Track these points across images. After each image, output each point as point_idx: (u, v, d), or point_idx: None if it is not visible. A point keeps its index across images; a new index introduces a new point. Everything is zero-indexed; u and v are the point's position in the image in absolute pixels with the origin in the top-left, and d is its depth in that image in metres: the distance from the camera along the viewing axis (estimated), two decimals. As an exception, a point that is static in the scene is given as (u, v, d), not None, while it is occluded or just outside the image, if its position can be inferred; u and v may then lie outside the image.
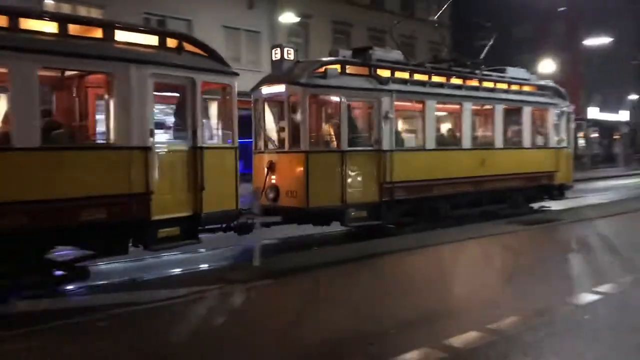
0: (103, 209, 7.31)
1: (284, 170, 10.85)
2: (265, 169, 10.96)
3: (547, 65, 38.20)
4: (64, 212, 7.00)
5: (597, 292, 6.91)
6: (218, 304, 6.85)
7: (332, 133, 11.16)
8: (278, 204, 10.77)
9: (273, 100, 11.52)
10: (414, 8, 35.11)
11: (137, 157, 7.68)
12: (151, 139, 7.90)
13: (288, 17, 25.63)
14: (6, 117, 7.11)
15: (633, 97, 52.14)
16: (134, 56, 7.74)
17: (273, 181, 10.92)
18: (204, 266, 9.66)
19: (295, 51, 11.28)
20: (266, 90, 11.39)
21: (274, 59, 11.26)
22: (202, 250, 10.53)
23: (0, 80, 7.05)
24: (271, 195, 10.79)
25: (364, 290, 7.48)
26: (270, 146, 11.50)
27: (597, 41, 38.60)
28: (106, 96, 7.71)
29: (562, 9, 44.74)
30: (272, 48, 11.39)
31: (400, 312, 6.41)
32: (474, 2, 41.36)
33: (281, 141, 11.23)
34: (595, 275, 7.81)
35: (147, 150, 7.80)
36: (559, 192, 16.34)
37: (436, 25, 24.59)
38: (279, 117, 11.53)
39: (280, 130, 11.40)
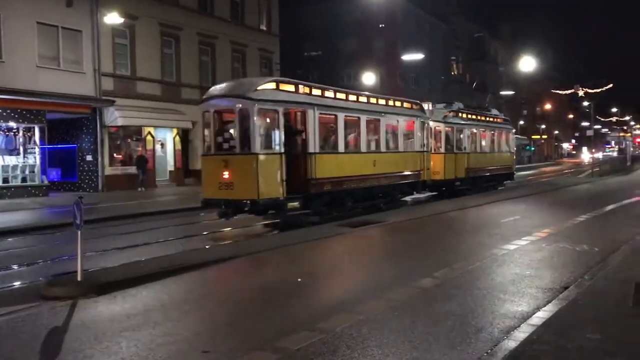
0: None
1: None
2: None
3: (370, 78, 40.76)
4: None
5: (388, 299, 7.44)
6: (29, 325, 6.22)
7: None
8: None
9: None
10: (244, 15, 35.29)
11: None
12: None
13: (112, 18, 24.34)
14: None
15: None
16: None
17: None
18: (17, 283, 8.71)
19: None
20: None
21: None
22: (15, 266, 9.53)
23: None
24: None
25: (184, 300, 7.31)
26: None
27: (412, 57, 42.12)
28: None
29: (381, 25, 48.05)
30: None
31: (223, 320, 6.35)
32: (303, 14, 42.83)
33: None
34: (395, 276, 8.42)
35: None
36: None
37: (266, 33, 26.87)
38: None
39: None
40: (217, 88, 14.38)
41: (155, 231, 14.19)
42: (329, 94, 15.50)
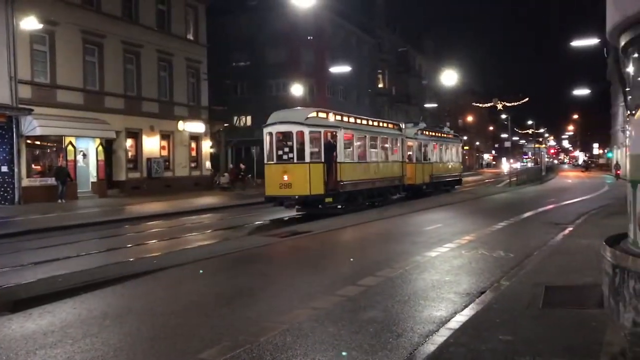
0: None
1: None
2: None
3: (298, 90, 41.09)
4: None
5: (312, 308, 7.59)
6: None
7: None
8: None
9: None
10: (170, 24, 34.77)
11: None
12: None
13: (29, 23, 23.37)
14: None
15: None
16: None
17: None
18: None
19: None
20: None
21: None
22: None
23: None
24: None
25: (104, 315, 7.12)
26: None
27: (340, 69, 42.85)
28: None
29: (310, 37, 48.55)
30: None
31: (145, 334, 6.24)
32: (231, 24, 42.65)
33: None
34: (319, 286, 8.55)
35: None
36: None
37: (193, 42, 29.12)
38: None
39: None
40: (278, 116, 19.61)
41: (77, 244, 13.69)
42: (348, 118, 21.32)
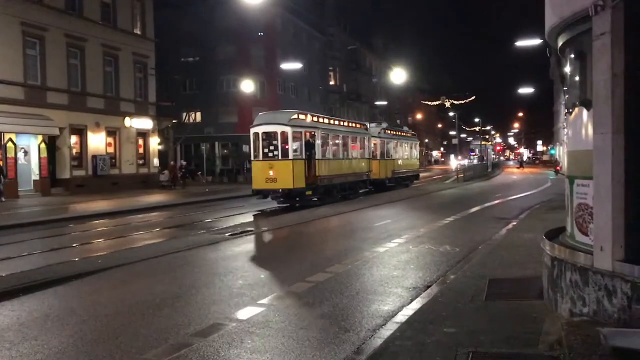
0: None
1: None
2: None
3: (248, 86, 40.80)
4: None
5: (260, 305, 7.58)
6: None
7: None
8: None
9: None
10: (116, 18, 33.87)
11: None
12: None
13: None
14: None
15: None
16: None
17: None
18: None
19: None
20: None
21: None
22: None
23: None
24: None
25: (45, 317, 6.90)
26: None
27: (291, 66, 42.75)
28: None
29: (260, 33, 48.26)
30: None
31: (88, 336, 6.09)
32: (180, 19, 41.83)
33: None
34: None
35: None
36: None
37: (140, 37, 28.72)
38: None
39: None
40: (264, 118, 21.85)
41: (17, 245, 13.19)
42: (323, 119, 23.85)
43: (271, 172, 20.40)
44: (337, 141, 24.53)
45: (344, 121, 27.02)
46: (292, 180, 20.30)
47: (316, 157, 21.92)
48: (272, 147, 20.75)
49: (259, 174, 20.79)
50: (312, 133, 22.03)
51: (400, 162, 34.47)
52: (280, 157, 20.55)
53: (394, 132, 34.91)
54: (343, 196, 24.69)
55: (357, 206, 21.38)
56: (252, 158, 21.76)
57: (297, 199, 21.28)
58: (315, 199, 22.20)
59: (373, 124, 32.39)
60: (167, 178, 35.74)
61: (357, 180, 26.72)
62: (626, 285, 4.89)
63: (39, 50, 28.34)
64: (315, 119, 22.72)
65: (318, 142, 22.29)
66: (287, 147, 20.56)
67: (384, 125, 33.99)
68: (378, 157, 30.36)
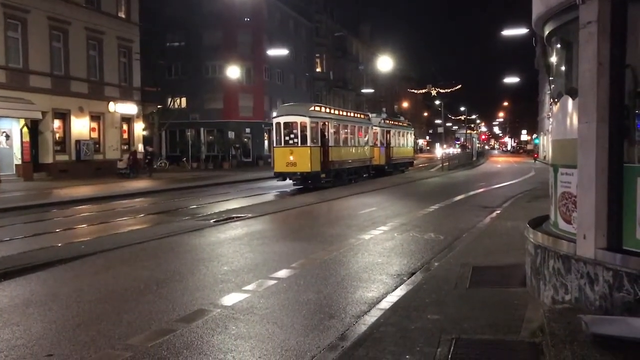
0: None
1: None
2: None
3: (234, 72, 40.49)
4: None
5: (245, 291, 7.60)
6: None
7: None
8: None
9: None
10: (100, 1, 33.37)
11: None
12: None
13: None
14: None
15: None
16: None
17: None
18: None
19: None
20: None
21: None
22: None
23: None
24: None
25: (26, 302, 6.83)
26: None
27: (278, 52, 42.46)
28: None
29: (247, 19, 47.83)
30: None
31: (70, 322, 6.05)
32: (165, 3, 41.29)
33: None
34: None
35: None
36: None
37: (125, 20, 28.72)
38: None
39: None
40: (284, 109, 25.37)
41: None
42: (335, 111, 27.18)
43: (291, 157, 23.42)
44: (346, 130, 27.50)
45: (350, 112, 30.62)
46: (310, 164, 23.25)
47: (329, 145, 25.03)
48: (292, 135, 23.79)
49: (280, 158, 23.87)
50: (326, 123, 25.00)
51: (397, 149, 37.48)
52: (299, 144, 23.54)
53: (393, 122, 38.26)
54: (349, 179, 27.53)
55: (354, 191, 21.42)
56: (274, 145, 25.12)
57: (310, 181, 23.98)
58: (329, 180, 24.85)
59: (374, 115, 35.20)
60: (124, 165, 32.17)
61: (362, 166, 29.64)
62: (608, 273, 4.94)
63: (20, 33, 27.88)
64: (328, 110, 26.13)
65: (331, 131, 25.34)
66: (306, 135, 23.52)
67: (384, 115, 37.75)
68: (378, 145, 33.54)
